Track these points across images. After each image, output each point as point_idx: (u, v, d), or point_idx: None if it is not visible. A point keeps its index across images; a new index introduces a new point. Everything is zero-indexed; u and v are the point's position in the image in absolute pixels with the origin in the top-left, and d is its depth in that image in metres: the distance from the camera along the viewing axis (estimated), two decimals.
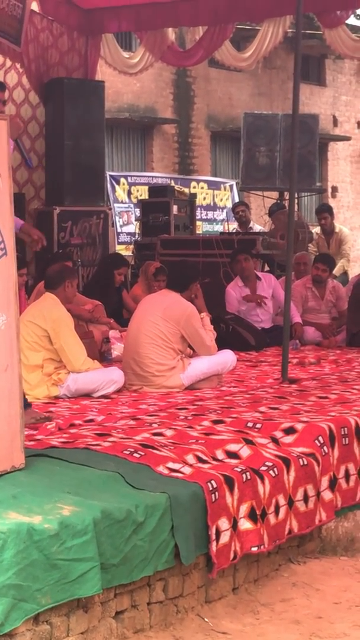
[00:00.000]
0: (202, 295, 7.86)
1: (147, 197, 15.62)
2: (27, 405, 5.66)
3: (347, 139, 28.40)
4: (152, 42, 12.66)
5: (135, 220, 17.22)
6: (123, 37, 18.45)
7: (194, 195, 16.05)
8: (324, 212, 13.86)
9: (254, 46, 12.69)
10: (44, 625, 3.76)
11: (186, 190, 16.57)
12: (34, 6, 11.55)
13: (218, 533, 4.54)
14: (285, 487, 5.06)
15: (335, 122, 28.39)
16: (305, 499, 5.19)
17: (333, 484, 5.47)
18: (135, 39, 16.80)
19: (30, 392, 6.75)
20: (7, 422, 4.43)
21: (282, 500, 5.02)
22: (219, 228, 21.53)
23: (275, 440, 5.42)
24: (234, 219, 16.06)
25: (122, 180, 20.24)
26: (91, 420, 6.01)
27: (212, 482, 4.58)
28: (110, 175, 19.71)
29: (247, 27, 17.44)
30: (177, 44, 13.26)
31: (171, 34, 12.77)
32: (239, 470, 4.80)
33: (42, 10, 11.78)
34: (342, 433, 5.67)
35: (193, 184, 22.10)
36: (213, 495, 4.54)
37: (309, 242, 13.58)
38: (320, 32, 13.47)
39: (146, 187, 17.89)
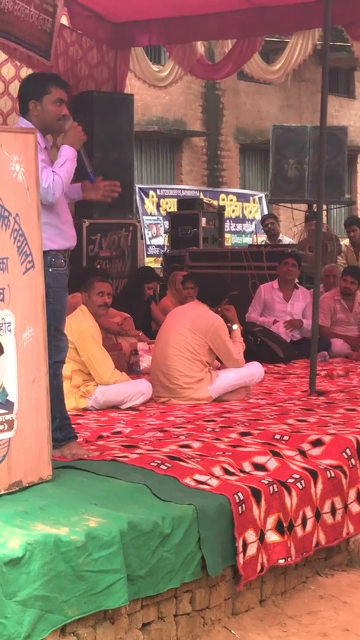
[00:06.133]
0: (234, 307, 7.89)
1: (176, 209, 15.64)
2: (72, 437, 5.38)
3: None
4: (181, 55, 12.68)
5: (164, 232, 17.24)
6: (152, 50, 18.51)
7: (222, 208, 16.06)
8: (353, 224, 13.84)
9: (283, 59, 12.68)
10: (70, 637, 3.78)
11: (215, 202, 16.59)
12: (64, 20, 11.61)
13: (245, 545, 4.54)
14: (312, 499, 5.05)
15: None
16: (333, 511, 5.18)
17: None
18: (164, 52, 16.84)
19: None
20: (34, 434, 4.45)
21: (309, 513, 5.01)
22: (248, 240, 21.53)
23: (302, 453, 5.42)
24: (263, 231, 16.06)
25: (151, 192, 20.29)
26: (119, 432, 6.03)
27: (239, 494, 4.58)
28: (140, 188, 19.77)
29: (276, 39, 17.43)
30: (206, 57, 13.28)
31: (200, 47, 12.79)
32: (266, 482, 4.81)
33: (72, 24, 11.83)
34: None
35: (222, 196, 22.11)
36: (240, 507, 4.54)
37: (338, 254, 13.56)
38: (349, 44, 13.46)
39: (175, 200, 17.93)
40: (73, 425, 6.06)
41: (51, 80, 5.42)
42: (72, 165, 5.33)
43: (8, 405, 4.30)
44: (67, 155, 5.34)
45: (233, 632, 4.41)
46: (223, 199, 21.81)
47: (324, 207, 15.67)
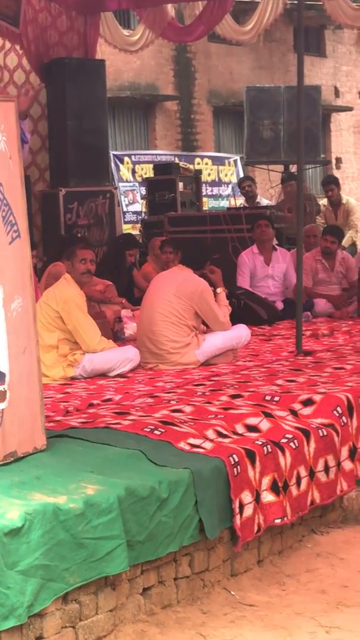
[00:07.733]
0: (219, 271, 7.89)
1: (152, 175, 15.58)
2: None
3: (350, 109, 28.27)
4: (151, 19, 12.57)
5: (141, 198, 17.16)
6: (122, 15, 18.36)
7: (199, 172, 15.99)
8: (330, 183, 13.83)
9: (255, 19, 12.61)
10: (73, 604, 3.79)
11: (191, 166, 16.51)
12: None
13: (241, 506, 4.56)
14: (306, 458, 5.07)
15: (336, 93, 28.26)
16: (326, 469, 5.21)
17: (353, 454, 5.48)
18: (134, 16, 16.71)
19: (47, 373, 6.76)
20: (27, 404, 4.44)
21: (303, 472, 5.03)
22: (224, 204, 21.46)
23: (294, 413, 5.43)
24: (239, 194, 16.01)
25: (126, 159, 20.18)
26: (109, 400, 6.03)
27: (234, 456, 4.59)
28: (114, 155, 19.64)
29: (246, 0, 17.34)
30: (176, 20, 13.17)
31: (171, 10, 12.68)
32: (259, 443, 4.82)
33: None
34: None
35: (197, 160, 22.01)
36: (235, 469, 4.55)
37: (317, 214, 13.56)
38: (320, 3, 13.39)
39: (150, 165, 17.84)
40: (62, 395, 6.09)
41: None
42: None
43: (0, 377, 4.28)
44: None
45: (233, 592, 4.43)
46: (198, 163, 21.71)
47: None
